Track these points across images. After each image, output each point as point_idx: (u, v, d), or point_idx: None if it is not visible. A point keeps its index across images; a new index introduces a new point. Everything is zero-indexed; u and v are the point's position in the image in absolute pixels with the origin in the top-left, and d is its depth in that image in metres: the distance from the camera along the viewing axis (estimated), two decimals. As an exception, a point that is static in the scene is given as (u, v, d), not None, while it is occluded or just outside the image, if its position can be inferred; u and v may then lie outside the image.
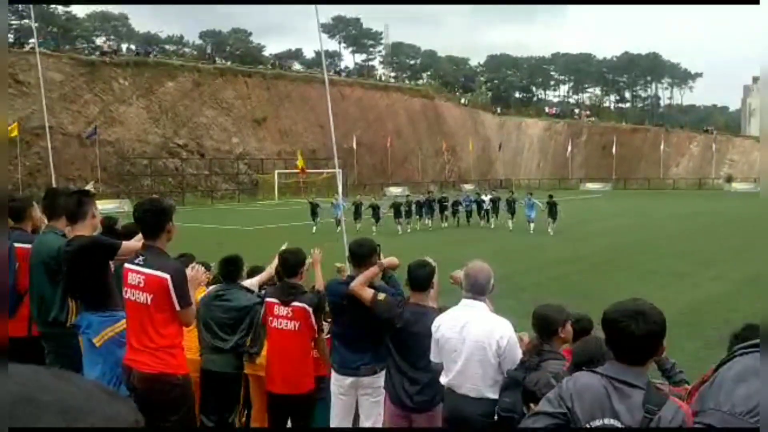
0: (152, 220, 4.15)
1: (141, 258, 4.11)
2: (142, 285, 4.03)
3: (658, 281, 15.20)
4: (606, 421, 2.32)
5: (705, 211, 37.22)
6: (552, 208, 25.20)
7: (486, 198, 30.08)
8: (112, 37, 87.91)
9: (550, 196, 25.92)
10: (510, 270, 16.16)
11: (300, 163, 35.41)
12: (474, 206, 30.07)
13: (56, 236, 4.75)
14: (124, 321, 4.30)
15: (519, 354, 3.82)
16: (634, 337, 2.34)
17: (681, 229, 27.60)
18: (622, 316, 2.37)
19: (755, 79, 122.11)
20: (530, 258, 18.89)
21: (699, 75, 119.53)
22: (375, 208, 26.97)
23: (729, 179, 70.38)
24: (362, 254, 4.93)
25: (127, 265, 4.16)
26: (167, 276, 3.98)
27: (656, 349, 2.43)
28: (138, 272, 4.06)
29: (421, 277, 4.57)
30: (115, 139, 49.22)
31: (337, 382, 4.89)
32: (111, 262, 4.52)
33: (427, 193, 33.70)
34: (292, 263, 5.11)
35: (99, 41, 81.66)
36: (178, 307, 4.02)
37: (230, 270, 5.57)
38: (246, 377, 5.47)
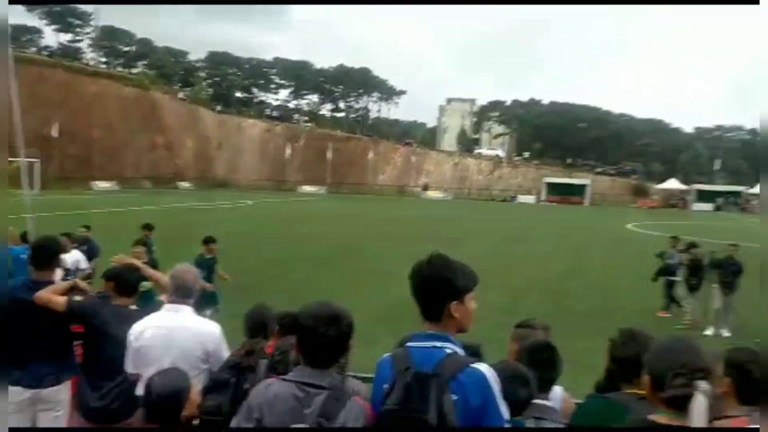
0: None
1: None
2: None
3: (368, 280, 16.29)
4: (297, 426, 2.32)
5: (408, 214, 41.34)
6: None
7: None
8: None
9: None
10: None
11: None
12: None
13: None
14: None
15: (225, 355, 3.74)
16: (330, 340, 2.40)
17: (392, 230, 30.13)
18: (318, 321, 2.40)
19: (449, 101, 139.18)
20: (245, 259, 18.83)
21: (403, 92, 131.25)
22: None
23: (425, 188, 79.49)
24: (42, 257, 4.48)
25: None
26: None
27: (346, 350, 2.52)
28: None
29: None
30: None
31: (11, 398, 4.11)
32: None
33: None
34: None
35: None
36: None
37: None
38: None
